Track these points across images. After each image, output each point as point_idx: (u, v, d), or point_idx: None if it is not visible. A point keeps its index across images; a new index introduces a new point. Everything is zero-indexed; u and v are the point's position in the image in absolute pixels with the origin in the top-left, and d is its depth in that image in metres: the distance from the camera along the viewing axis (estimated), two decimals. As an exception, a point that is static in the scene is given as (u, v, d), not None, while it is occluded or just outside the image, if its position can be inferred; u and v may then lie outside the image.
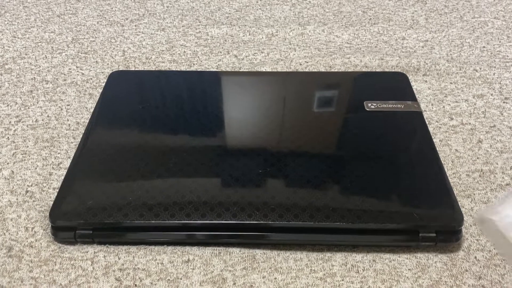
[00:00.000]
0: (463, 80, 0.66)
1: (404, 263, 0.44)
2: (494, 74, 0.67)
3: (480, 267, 0.44)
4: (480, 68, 0.68)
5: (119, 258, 0.43)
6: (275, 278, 0.43)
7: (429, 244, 0.44)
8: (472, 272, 0.43)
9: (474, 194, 0.50)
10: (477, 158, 0.54)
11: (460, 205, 0.46)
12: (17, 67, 0.68)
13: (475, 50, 0.72)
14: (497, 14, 0.81)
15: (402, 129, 0.54)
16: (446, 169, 0.50)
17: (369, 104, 0.56)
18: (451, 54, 0.72)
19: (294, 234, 0.44)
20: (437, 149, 0.51)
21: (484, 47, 0.73)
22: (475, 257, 0.44)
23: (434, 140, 0.54)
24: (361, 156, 0.50)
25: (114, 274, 0.42)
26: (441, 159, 0.50)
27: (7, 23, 0.78)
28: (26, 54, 0.71)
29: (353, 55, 0.70)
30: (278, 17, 0.81)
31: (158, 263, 0.43)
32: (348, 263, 0.44)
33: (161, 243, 0.45)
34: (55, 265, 0.43)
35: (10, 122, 0.59)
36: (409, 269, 0.43)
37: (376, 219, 0.43)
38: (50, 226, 0.45)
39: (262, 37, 0.76)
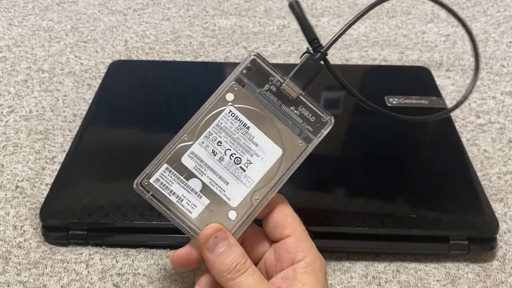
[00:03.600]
0: (490, 76, 0.64)
1: (431, 273, 0.41)
2: (522, 70, 0.65)
3: (518, 278, 0.41)
4: (508, 64, 0.66)
5: (117, 262, 0.41)
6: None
7: (461, 252, 0.42)
8: (509, 284, 0.40)
9: (507, 198, 0.48)
10: (509, 159, 0.52)
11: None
12: (12, 55, 0.66)
13: (501, 45, 0.70)
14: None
15: (427, 127, 0.51)
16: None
17: (391, 99, 0.53)
18: (475, 49, 0.69)
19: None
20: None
21: (510, 42, 0.71)
22: (512, 268, 0.41)
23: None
24: (382, 156, 0.48)
25: (111, 279, 0.40)
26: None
27: (3, 10, 0.76)
28: (22, 42, 0.69)
29: (371, 48, 0.68)
30: (290, 8, 0.78)
31: (161, 269, 0.41)
32: (369, 274, 0.41)
33: (164, 247, 0.42)
34: (46, 268, 0.41)
35: (1, 112, 0.56)
36: (437, 280, 0.40)
37: (401, 224, 0.41)
38: (40, 225, 0.43)
39: (273, 29, 0.74)
